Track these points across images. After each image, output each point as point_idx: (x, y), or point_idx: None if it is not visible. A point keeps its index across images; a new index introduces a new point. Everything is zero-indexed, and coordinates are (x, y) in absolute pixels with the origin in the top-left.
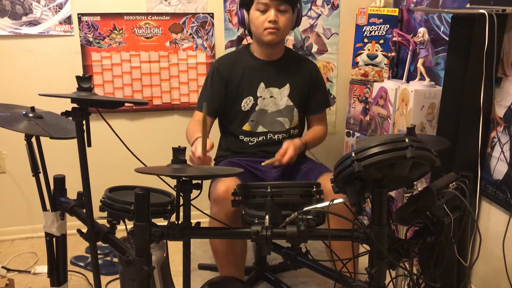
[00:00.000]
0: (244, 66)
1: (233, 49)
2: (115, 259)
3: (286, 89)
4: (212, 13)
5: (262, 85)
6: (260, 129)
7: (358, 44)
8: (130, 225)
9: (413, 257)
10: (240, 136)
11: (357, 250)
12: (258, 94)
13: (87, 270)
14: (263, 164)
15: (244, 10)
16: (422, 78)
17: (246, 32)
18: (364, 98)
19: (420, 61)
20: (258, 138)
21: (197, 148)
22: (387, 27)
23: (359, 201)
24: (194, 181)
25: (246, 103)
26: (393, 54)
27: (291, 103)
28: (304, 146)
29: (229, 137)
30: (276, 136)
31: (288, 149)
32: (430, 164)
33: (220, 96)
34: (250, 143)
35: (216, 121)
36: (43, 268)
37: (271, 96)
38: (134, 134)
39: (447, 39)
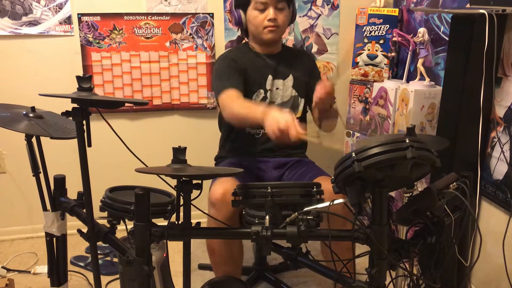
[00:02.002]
0: (250, 60)
1: None
2: (115, 259)
3: (290, 80)
4: (212, 13)
5: (270, 77)
6: None
7: (358, 44)
8: (130, 225)
9: (414, 257)
10: (247, 128)
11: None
12: (267, 87)
13: (87, 270)
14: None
15: (241, 10)
16: (422, 78)
17: (243, 33)
18: (364, 98)
19: (420, 61)
20: (264, 129)
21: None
22: (387, 27)
23: (360, 201)
24: (194, 181)
25: (257, 96)
26: (393, 54)
27: (296, 93)
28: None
29: (234, 133)
30: None
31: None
32: (430, 164)
33: (243, 80)
34: (256, 136)
35: (215, 121)
36: (43, 268)
37: (277, 88)
38: (134, 134)
39: (447, 39)
